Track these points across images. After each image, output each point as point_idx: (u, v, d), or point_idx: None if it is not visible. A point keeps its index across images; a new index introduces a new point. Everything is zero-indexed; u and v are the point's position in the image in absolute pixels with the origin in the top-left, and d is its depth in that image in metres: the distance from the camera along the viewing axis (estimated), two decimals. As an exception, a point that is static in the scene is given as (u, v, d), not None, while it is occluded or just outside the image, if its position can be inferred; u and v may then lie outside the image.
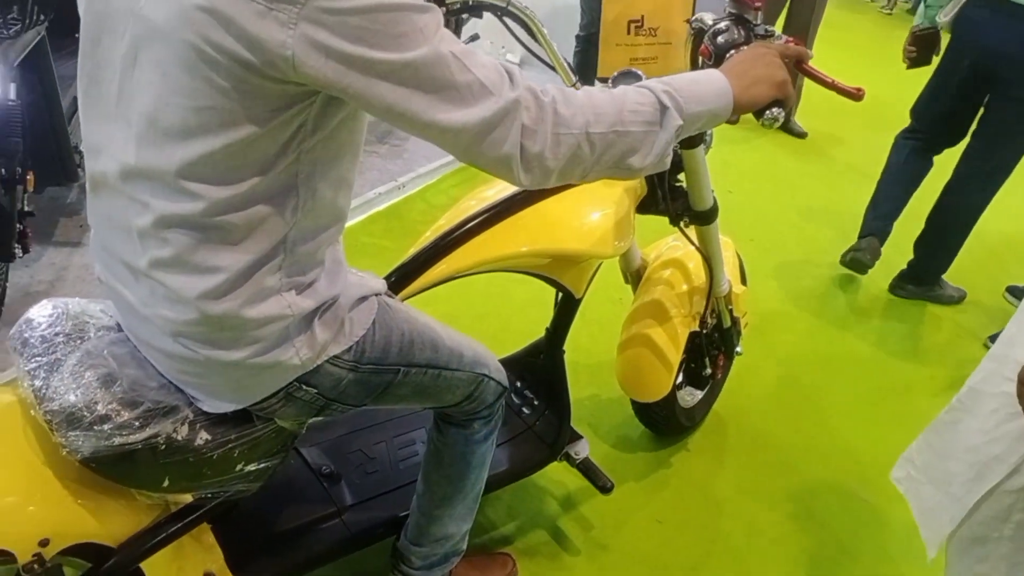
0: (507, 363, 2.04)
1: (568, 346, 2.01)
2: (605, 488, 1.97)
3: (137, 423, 1.19)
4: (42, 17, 2.21)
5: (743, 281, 2.35)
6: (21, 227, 2.30)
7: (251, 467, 1.32)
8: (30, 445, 1.25)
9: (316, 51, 0.95)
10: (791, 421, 2.59)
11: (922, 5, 3.22)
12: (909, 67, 3.31)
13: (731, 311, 2.20)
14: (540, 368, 2.03)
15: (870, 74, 4.53)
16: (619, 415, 2.44)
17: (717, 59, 1.55)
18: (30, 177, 2.29)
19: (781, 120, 1.37)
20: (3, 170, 2.17)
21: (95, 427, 1.18)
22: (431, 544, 1.64)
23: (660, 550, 2.06)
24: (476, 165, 1.07)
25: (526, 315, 2.48)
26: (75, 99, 2.67)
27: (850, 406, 2.70)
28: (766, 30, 1.53)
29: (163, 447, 1.21)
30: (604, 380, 2.51)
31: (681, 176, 1.86)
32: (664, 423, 2.34)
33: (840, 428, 2.58)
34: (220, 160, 1.03)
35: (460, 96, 1.00)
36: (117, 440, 1.18)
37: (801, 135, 5.10)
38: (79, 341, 1.27)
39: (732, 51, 1.51)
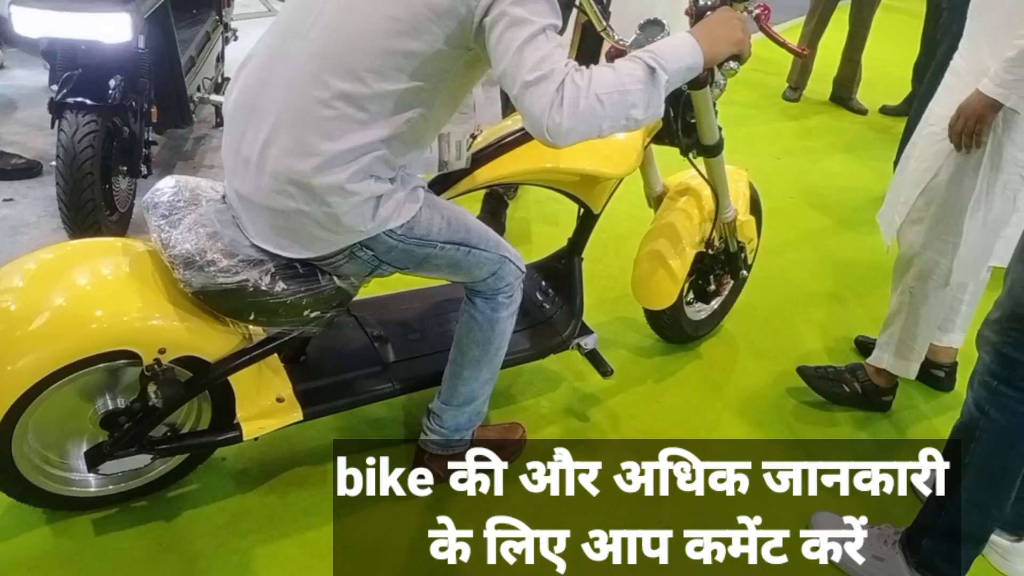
0: (535, 266, 2.46)
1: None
2: (605, 372, 2.32)
3: (234, 268, 1.64)
4: (163, -19, 2.74)
5: (756, 212, 2.66)
6: (146, 152, 2.84)
7: (315, 314, 1.75)
8: (157, 280, 1.72)
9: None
10: (795, 337, 2.90)
11: None
12: None
13: (736, 239, 2.52)
14: (561, 272, 2.40)
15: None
16: (641, 332, 2.77)
17: (697, 18, 1.85)
18: (154, 110, 2.82)
19: (737, 70, 1.73)
20: (134, 103, 2.70)
21: (204, 268, 1.63)
22: (459, 404, 1.99)
23: (659, 423, 2.39)
24: (521, 108, 1.48)
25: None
26: (192, 57, 3.22)
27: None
28: None
29: (251, 289, 1.65)
30: (632, 306, 2.80)
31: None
32: (671, 330, 2.67)
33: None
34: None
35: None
36: (220, 279, 1.63)
37: (861, 112, 5.29)
38: (194, 207, 1.72)
39: (708, 12, 1.80)
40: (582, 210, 2.31)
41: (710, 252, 2.52)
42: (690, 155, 2.25)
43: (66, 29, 2.50)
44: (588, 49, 2.29)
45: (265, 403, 1.89)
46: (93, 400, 1.79)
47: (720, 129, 2.20)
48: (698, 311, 2.74)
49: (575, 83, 1.44)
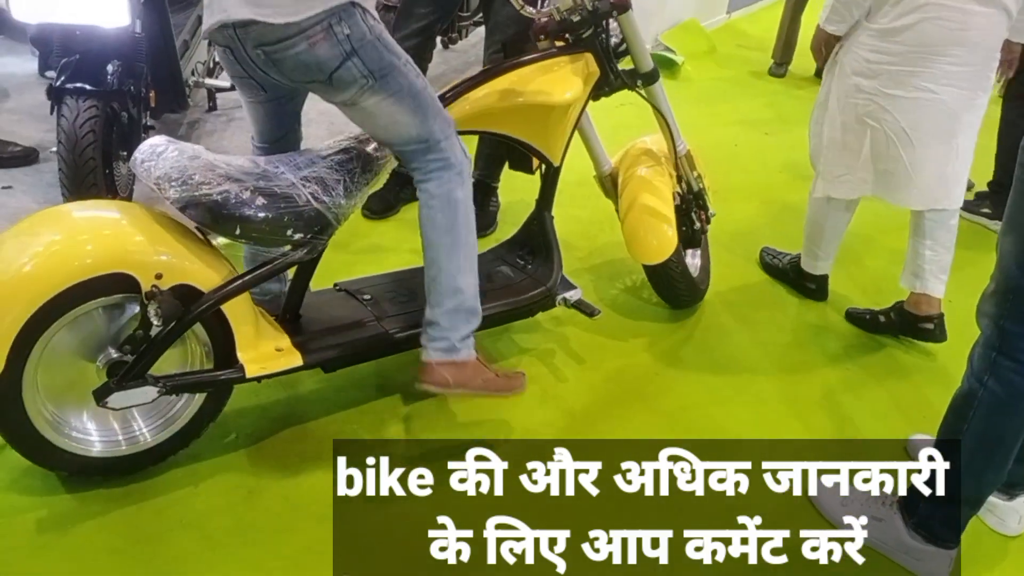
0: (508, 243, 2.55)
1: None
2: (592, 313, 2.38)
3: (215, 181, 1.78)
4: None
5: None
6: (144, 137, 2.90)
7: (298, 235, 1.86)
8: (151, 218, 1.85)
9: None
10: (785, 307, 2.95)
11: None
12: None
13: (695, 172, 2.60)
14: (535, 232, 2.47)
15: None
16: (634, 299, 2.85)
17: None
18: (152, 94, 2.92)
19: None
20: (132, 88, 2.79)
21: (187, 182, 1.77)
22: (447, 299, 1.96)
23: (654, 391, 2.44)
24: None
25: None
26: (186, 41, 3.31)
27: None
28: None
29: (233, 201, 1.78)
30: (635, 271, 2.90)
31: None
32: (683, 283, 2.65)
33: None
34: None
35: None
36: (202, 190, 1.77)
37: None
38: (172, 145, 1.88)
39: None
40: (543, 166, 2.38)
41: (681, 192, 2.60)
42: (637, 87, 2.38)
43: (64, 14, 2.58)
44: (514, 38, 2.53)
45: (265, 350, 1.97)
46: (96, 356, 1.87)
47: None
48: (692, 262, 2.76)
49: None
